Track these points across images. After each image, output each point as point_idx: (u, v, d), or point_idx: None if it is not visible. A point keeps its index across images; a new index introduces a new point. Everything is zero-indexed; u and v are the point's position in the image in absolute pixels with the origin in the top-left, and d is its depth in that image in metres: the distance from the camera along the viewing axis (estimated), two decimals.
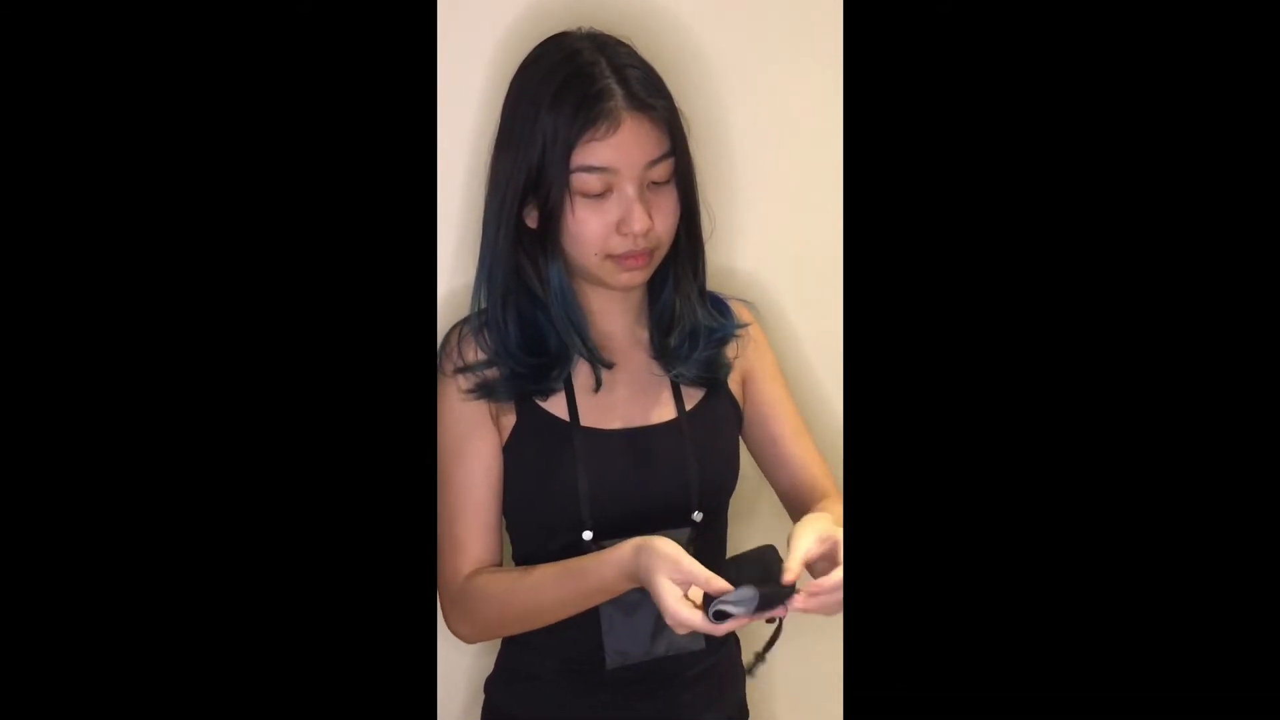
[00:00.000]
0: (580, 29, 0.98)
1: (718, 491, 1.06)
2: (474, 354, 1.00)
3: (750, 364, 1.10)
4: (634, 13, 1.14)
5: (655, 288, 1.04)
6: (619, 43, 0.96)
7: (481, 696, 1.11)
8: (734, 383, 1.08)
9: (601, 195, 0.93)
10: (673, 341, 1.03)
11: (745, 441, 1.13)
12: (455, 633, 1.02)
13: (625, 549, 0.90)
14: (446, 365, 1.01)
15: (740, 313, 1.10)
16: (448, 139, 1.07)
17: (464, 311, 1.06)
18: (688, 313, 1.03)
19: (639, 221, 0.93)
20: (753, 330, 1.11)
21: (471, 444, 1.00)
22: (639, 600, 0.97)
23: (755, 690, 1.17)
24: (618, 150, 0.91)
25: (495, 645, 1.11)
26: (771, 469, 1.12)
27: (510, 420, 1.01)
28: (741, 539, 1.17)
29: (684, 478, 1.01)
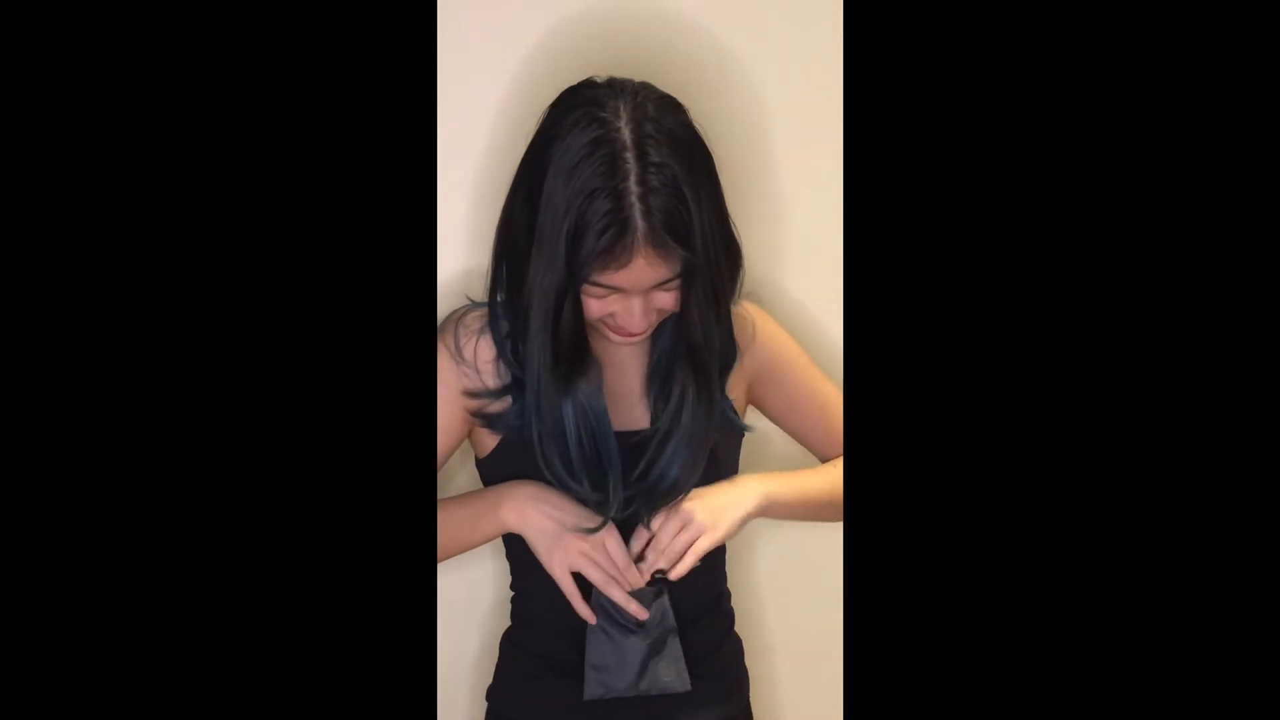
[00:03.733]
0: (616, 87, 0.92)
1: None
2: (478, 354, 0.99)
3: (760, 363, 1.09)
4: (635, 10, 1.13)
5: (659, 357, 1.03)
6: (659, 125, 0.89)
7: (484, 705, 1.10)
8: (736, 389, 1.07)
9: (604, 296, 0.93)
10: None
11: (782, 426, 1.15)
12: None
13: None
14: (439, 344, 1.01)
15: (746, 311, 1.08)
16: (448, 127, 1.07)
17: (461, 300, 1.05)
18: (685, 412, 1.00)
19: (634, 326, 0.93)
20: (760, 324, 1.09)
21: (443, 398, 1.00)
22: (629, 632, 0.98)
23: (760, 693, 1.16)
24: (627, 276, 0.90)
25: (495, 654, 1.10)
26: (818, 446, 1.15)
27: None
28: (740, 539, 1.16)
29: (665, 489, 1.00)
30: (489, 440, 1.02)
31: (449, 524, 1.00)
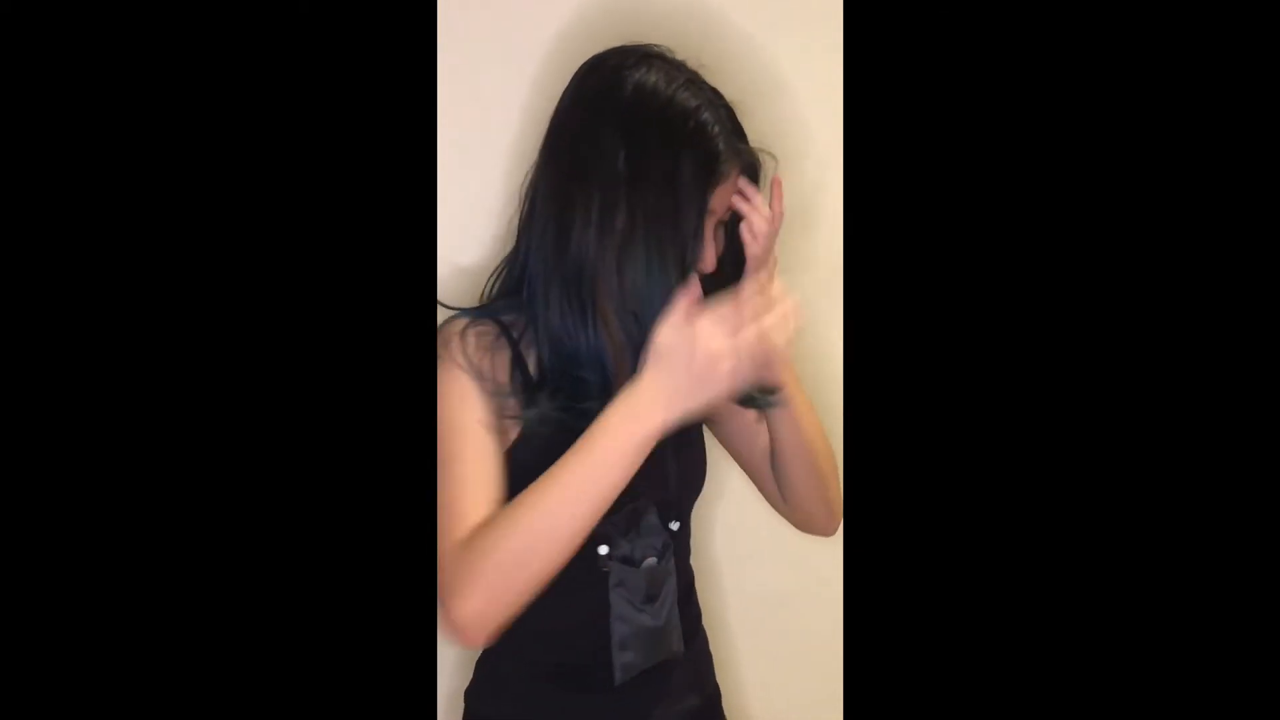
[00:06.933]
0: (647, 47, 0.96)
1: (693, 497, 1.07)
2: (495, 363, 0.96)
3: None
4: (636, 8, 1.13)
5: None
6: (702, 79, 0.96)
7: (461, 706, 1.10)
8: None
9: None
10: None
11: (733, 436, 1.13)
12: (457, 619, 0.84)
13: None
14: (444, 354, 0.94)
15: None
16: (448, 122, 1.07)
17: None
18: None
19: (710, 262, 0.94)
20: None
21: (474, 417, 0.93)
22: (641, 612, 0.99)
23: (759, 695, 1.18)
24: (722, 196, 0.93)
25: (474, 655, 1.10)
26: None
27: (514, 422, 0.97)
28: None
29: (666, 485, 1.01)
30: (511, 430, 0.96)
31: (598, 474, 0.86)
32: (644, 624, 1.00)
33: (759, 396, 0.99)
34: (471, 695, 1.08)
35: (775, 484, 1.09)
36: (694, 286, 0.89)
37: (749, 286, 0.89)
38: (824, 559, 1.29)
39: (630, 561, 0.99)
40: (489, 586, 0.84)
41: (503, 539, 0.84)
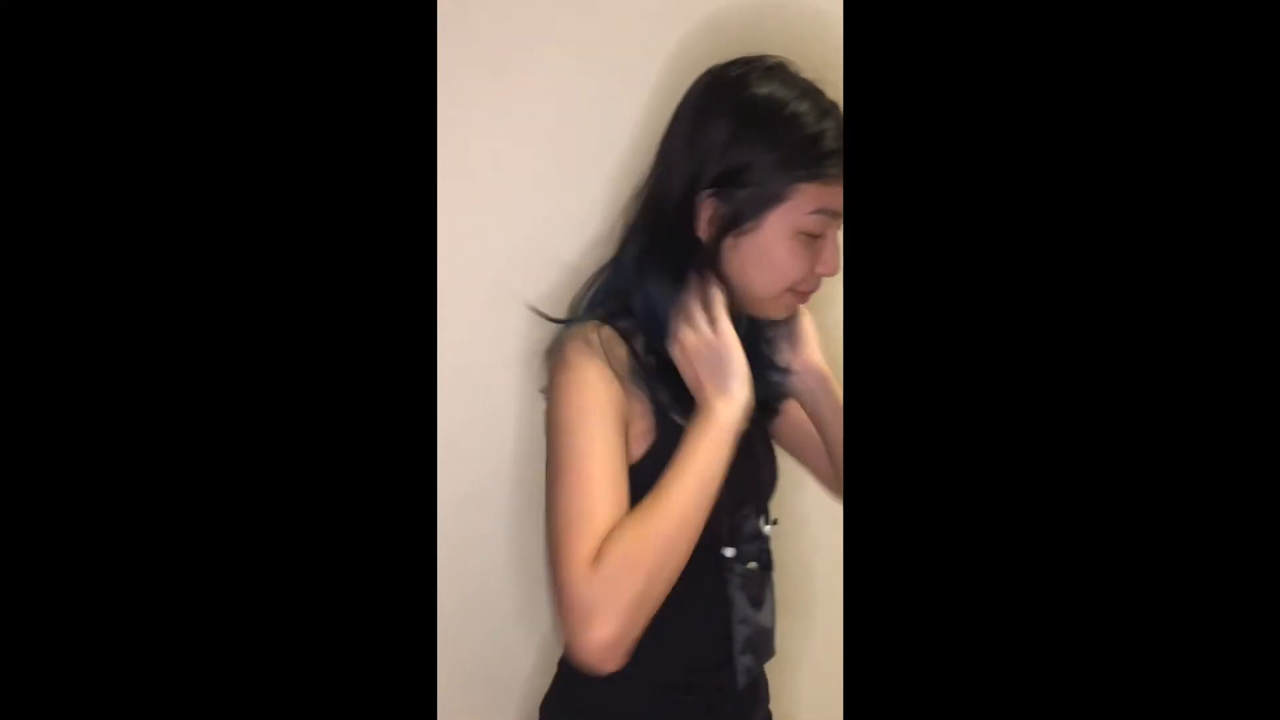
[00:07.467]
0: (772, 64, 0.98)
1: (771, 496, 1.09)
2: (631, 370, 0.95)
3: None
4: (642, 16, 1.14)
5: None
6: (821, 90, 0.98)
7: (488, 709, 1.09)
8: None
9: (816, 237, 0.95)
10: None
11: (793, 436, 1.16)
12: (595, 646, 0.81)
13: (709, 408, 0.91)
14: (585, 350, 0.93)
15: None
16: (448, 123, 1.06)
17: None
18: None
19: (840, 265, 0.96)
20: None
21: (609, 414, 0.91)
22: (757, 611, 1.01)
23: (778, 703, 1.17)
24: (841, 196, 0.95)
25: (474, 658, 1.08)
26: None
27: (647, 430, 0.95)
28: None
29: (759, 485, 1.04)
30: (637, 447, 0.94)
31: (714, 465, 0.88)
32: (762, 625, 1.02)
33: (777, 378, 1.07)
34: (550, 710, 1.05)
35: (832, 466, 1.12)
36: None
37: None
38: (824, 559, 1.32)
39: (741, 562, 1.00)
40: (630, 609, 0.81)
41: (641, 554, 0.82)
